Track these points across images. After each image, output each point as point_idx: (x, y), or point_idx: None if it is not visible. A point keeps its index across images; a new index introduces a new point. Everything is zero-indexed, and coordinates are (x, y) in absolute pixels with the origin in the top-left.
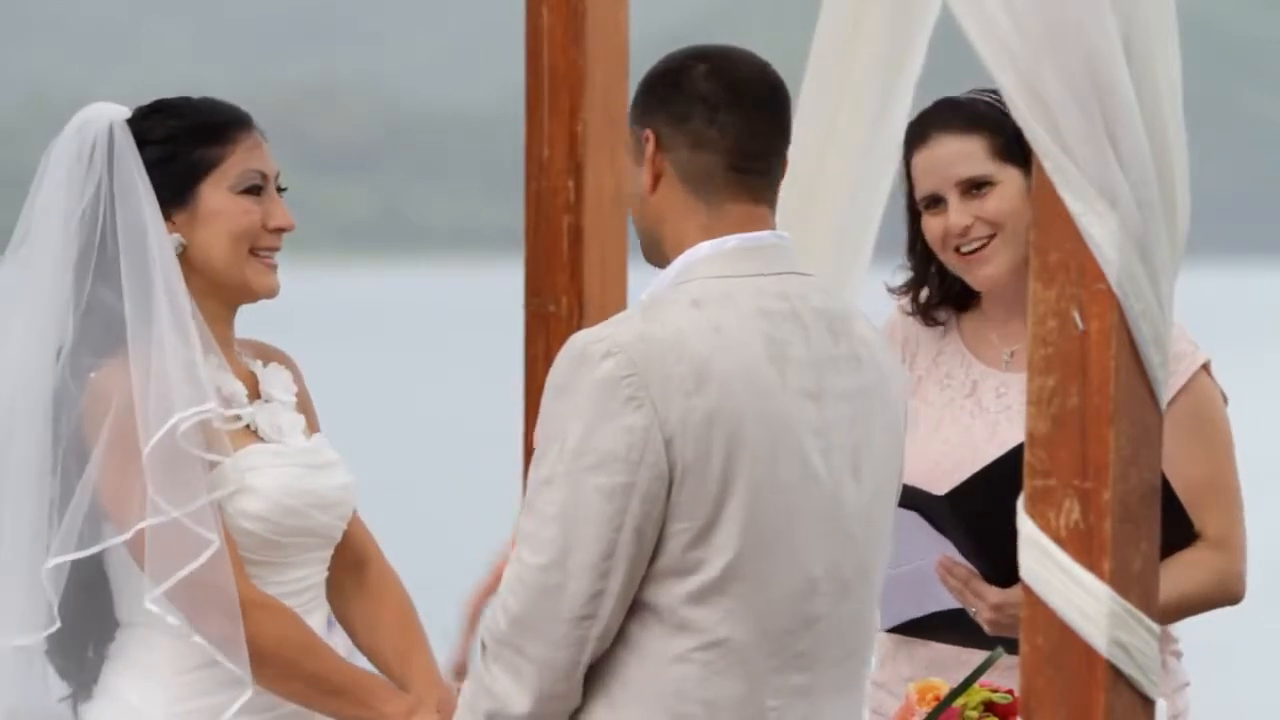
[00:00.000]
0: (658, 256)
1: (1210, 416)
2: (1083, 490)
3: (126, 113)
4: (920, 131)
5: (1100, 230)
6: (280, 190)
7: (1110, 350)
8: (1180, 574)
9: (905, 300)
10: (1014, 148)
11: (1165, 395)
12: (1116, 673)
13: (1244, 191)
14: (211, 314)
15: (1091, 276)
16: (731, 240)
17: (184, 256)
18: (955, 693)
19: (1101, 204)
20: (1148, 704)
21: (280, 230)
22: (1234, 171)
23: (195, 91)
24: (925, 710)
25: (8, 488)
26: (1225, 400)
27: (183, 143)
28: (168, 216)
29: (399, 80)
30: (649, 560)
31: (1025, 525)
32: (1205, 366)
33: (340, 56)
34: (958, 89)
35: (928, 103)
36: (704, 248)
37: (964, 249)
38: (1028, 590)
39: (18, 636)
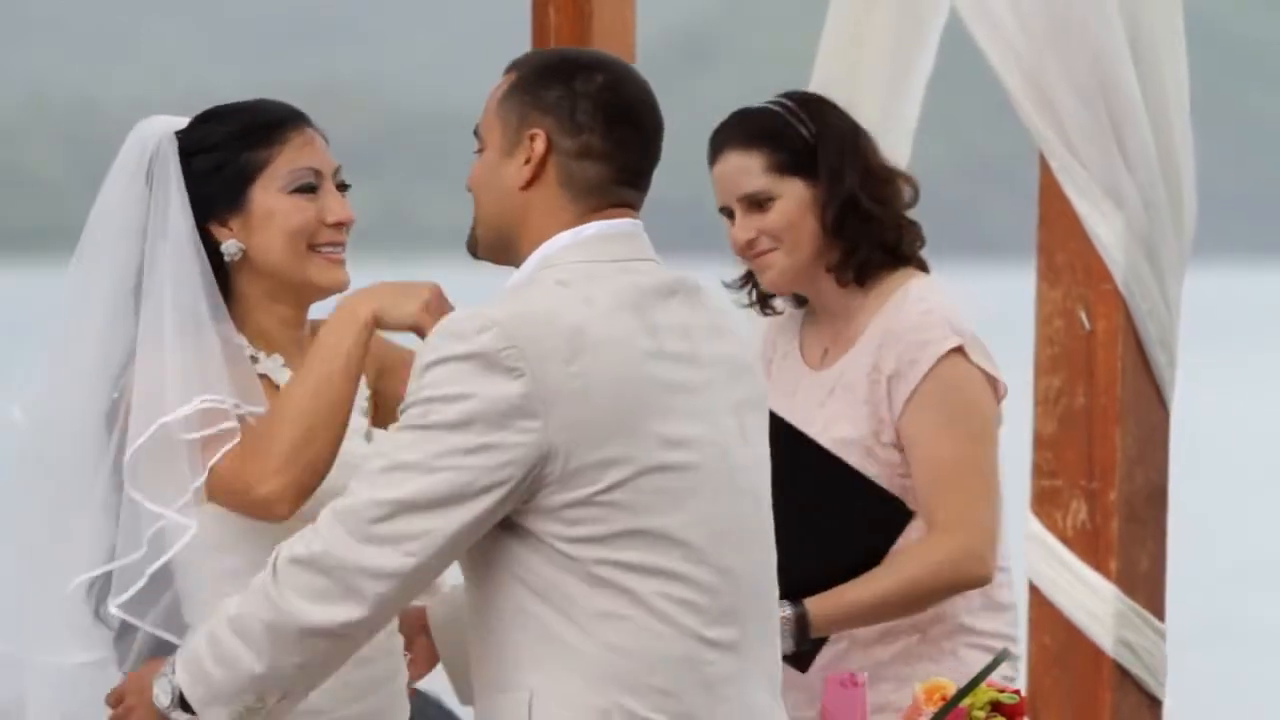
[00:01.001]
0: (503, 252)
1: (958, 400)
2: (1089, 490)
3: (182, 123)
4: (713, 145)
5: (1107, 230)
6: (344, 188)
7: (1117, 350)
8: (907, 558)
9: (741, 294)
10: (796, 160)
11: (1171, 395)
12: (1123, 672)
13: (1250, 191)
14: (280, 316)
15: (1098, 276)
16: (590, 228)
17: (246, 261)
18: (962, 693)
19: (1108, 204)
20: (1155, 703)
21: (340, 224)
22: (1240, 172)
23: (196, 92)
24: (932, 710)
25: (70, 503)
26: (999, 389)
27: (231, 148)
28: (224, 223)
29: (400, 80)
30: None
31: (1032, 525)
32: (960, 350)
33: (341, 57)
34: (964, 89)
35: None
36: (563, 236)
37: (752, 256)
38: (1034, 590)
39: (81, 653)
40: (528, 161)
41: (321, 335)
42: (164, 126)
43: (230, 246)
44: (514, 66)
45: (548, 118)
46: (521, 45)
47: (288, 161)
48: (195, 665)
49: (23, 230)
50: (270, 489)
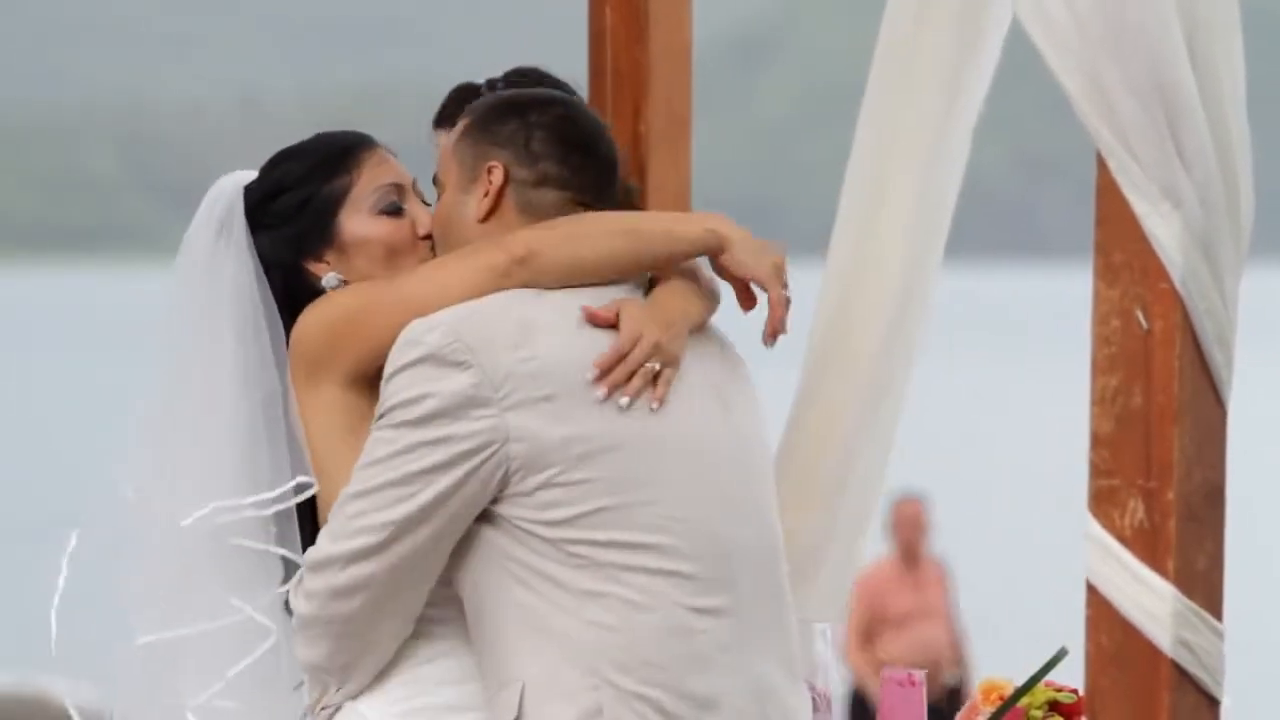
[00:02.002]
0: None
1: None
2: (1147, 490)
3: (250, 176)
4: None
5: (1164, 230)
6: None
7: (1174, 349)
8: None
9: None
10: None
11: (1229, 395)
12: (1182, 672)
13: None
14: None
15: (1155, 276)
16: None
17: None
18: (1020, 692)
19: (1165, 204)
20: (1213, 704)
21: (430, 237)
22: None
23: (249, 93)
24: (990, 709)
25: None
26: None
27: (310, 182)
28: (319, 257)
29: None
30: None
31: (1090, 525)
32: None
33: (398, 57)
34: (1021, 88)
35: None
36: None
37: None
38: (1092, 590)
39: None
40: (486, 194)
41: (667, 220)
42: (233, 183)
43: (330, 279)
44: (470, 109)
45: (504, 150)
46: (579, 45)
47: (368, 183)
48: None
49: (78, 229)
50: None
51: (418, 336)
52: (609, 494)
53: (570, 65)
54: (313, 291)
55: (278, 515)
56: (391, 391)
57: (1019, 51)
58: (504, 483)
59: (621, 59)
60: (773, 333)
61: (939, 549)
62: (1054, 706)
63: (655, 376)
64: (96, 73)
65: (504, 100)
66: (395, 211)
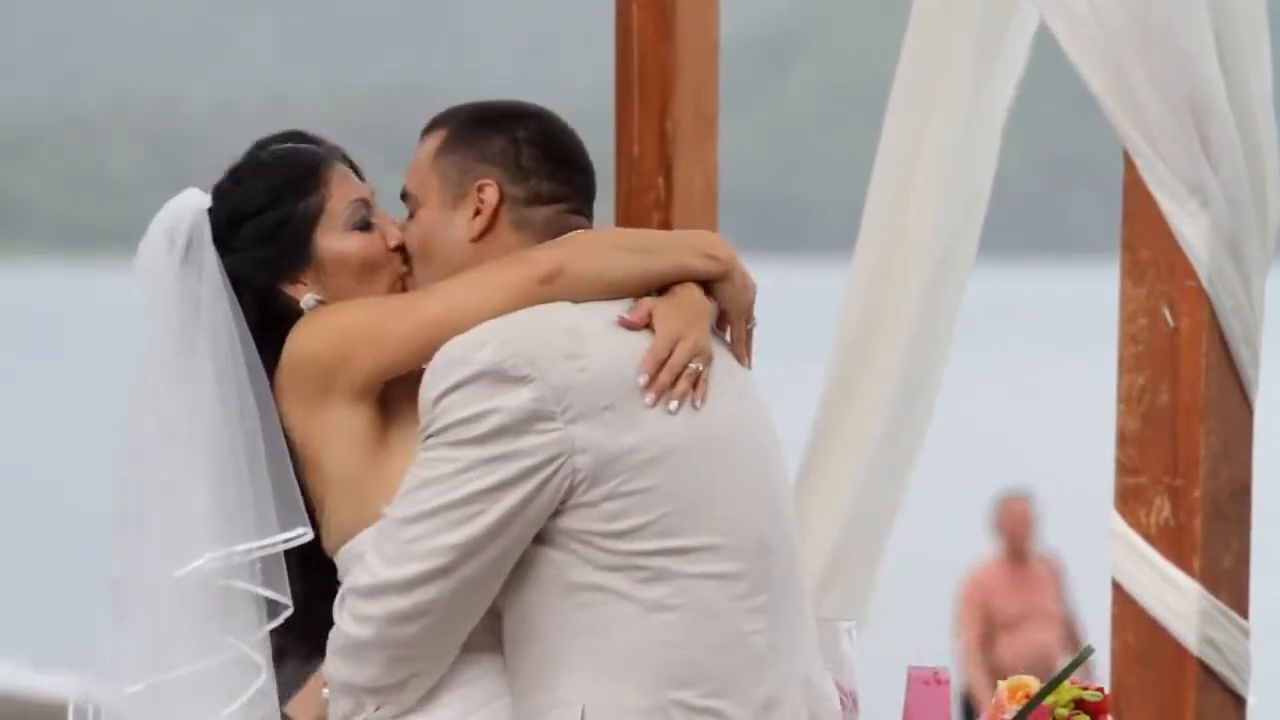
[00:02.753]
0: None
1: None
2: (1173, 488)
3: (202, 198)
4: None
5: (1191, 228)
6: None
7: (1201, 348)
8: None
9: None
10: None
11: (1255, 393)
12: (1208, 671)
13: None
14: None
15: (1182, 274)
16: None
17: None
18: (1045, 690)
19: (1192, 202)
20: (1239, 702)
21: (400, 248)
22: None
23: (277, 91)
24: (1016, 707)
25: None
26: None
27: (282, 203)
28: (296, 279)
29: (488, 78)
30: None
31: (1115, 523)
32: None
33: (425, 56)
34: (1048, 87)
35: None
36: None
37: None
38: (1118, 588)
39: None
40: (478, 213)
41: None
42: (192, 204)
43: (309, 300)
44: (439, 122)
45: (494, 168)
46: (606, 43)
47: (340, 199)
48: (324, 664)
49: (107, 228)
50: None
51: (466, 354)
52: (671, 500)
53: (597, 63)
54: (289, 313)
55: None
56: (443, 410)
57: (1045, 51)
58: (569, 495)
59: (648, 57)
60: (739, 359)
61: (1047, 546)
62: (1080, 704)
63: (696, 378)
64: (125, 72)
65: (482, 113)
66: (366, 226)
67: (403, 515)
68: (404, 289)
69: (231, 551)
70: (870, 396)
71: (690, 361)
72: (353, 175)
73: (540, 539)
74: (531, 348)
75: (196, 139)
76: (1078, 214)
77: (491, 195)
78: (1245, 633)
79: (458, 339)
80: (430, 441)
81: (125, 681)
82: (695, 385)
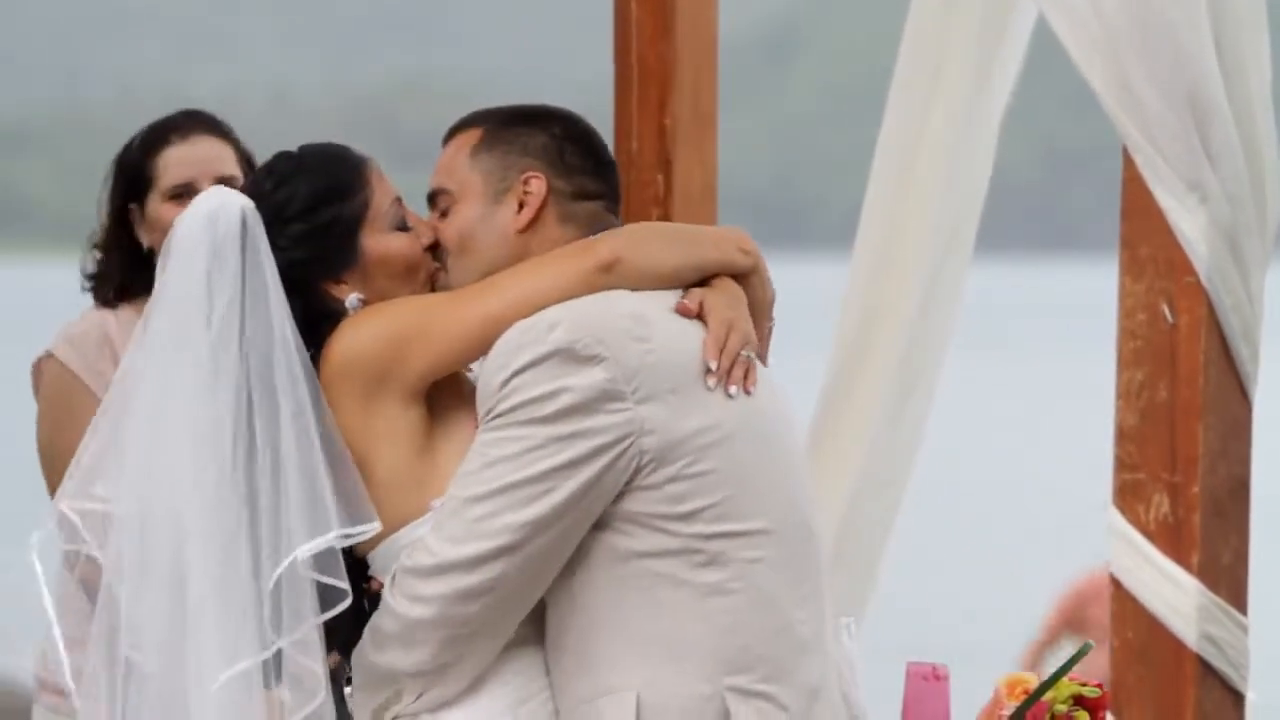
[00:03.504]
0: None
1: None
2: (1172, 484)
3: (239, 197)
4: (162, 135)
5: (1190, 224)
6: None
7: (1200, 344)
8: None
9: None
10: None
11: (1254, 389)
12: (1206, 667)
13: None
14: None
15: (1181, 270)
16: None
17: None
18: (1044, 686)
19: (1191, 198)
20: (1238, 698)
21: (435, 245)
22: None
23: (282, 87)
24: (1014, 704)
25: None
26: None
27: (328, 204)
28: (339, 279)
29: (485, 76)
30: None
31: (1114, 518)
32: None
33: (427, 52)
34: (1047, 82)
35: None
36: None
37: None
38: (1116, 584)
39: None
40: (523, 206)
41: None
42: (237, 203)
43: (352, 300)
44: (472, 123)
45: (539, 162)
46: (605, 40)
47: (381, 199)
48: (356, 654)
49: None
50: None
51: (538, 335)
52: (730, 483)
53: (596, 60)
54: (333, 313)
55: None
56: (511, 390)
57: (1046, 47)
58: (634, 477)
59: (647, 54)
60: (761, 357)
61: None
62: (1079, 701)
63: (747, 365)
64: (127, 67)
65: (516, 113)
66: (405, 226)
67: (469, 494)
68: (433, 288)
69: (310, 548)
70: (870, 392)
71: (743, 349)
72: (385, 176)
73: (598, 524)
74: (602, 329)
75: None
76: (1077, 210)
77: (539, 187)
78: (1244, 629)
79: (522, 323)
80: (496, 422)
81: (218, 668)
82: (747, 373)
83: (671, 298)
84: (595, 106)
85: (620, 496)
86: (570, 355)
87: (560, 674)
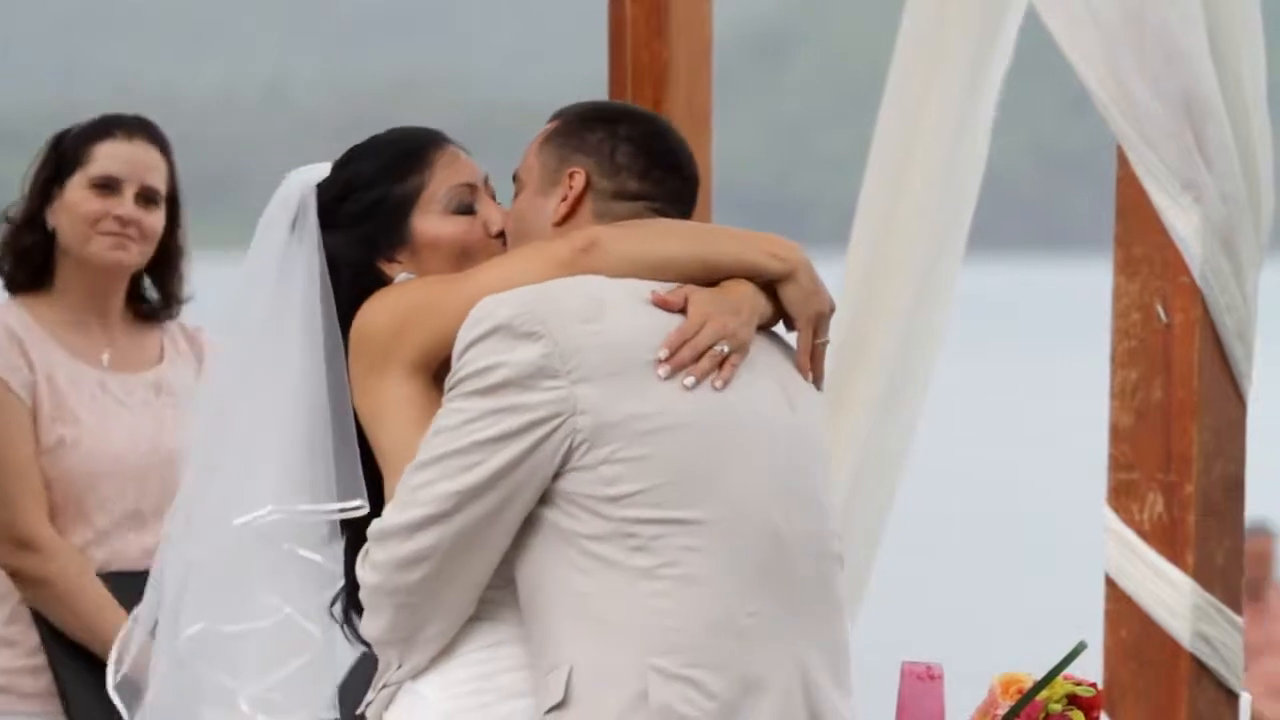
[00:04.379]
0: None
1: None
2: (1166, 483)
3: (320, 173)
4: (106, 128)
5: (1184, 224)
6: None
7: (1194, 344)
8: None
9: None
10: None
11: (1248, 389)
12: (1200, 666)
13: None
14: None
15: (1175, 270)
16: None
17: None
18: (1039, 685)
19: (1186, 198)
20: (1232, 697)
21: (503, 234)
22: None
23: (277, 84)
24: (1009, 703)
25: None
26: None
27: (381, 183)
28: (391, 258)
29: (482, 73)
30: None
31: (1109, 518)
32: None
33: (423, 49)
34: (1041, 82)
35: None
36: None
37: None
38: (1111, 584)
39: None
40: (564, 199)
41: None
42: (304, 180)
43: (402, 279)
44: (559, 114)
45: (589, 159)
46: (600, 38)
47: (441, 182)
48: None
49: None
50: None
51: (489, 311)
52: (667, 471)
53: (591, 59)
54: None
55: (333, 524)
56: (463, 364)
57: (1041, 46)
58: (568, 456)
59: (642, 54)
60: (800, 369)
61: None
62: (1073, 700)
63: (722, 360)
64: (123, 64)
65: (596, 109)
66: (468, 211)
67: (415, 462)
68: None
69: (293, 510)
70: (863, 390)
71: (716, 343)
72: (464, 158)
73: (546, 502)
74: (545, 307)
75: (195, 132)
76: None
77: (579, 182)
78: (1238, 628)
79: (488, 297)
80: (450, 393)
81: (184, 623)
82: (722, 368)
83: (661, 290)
84: None
85: (559, 475)
86: (510, 331)
87: (531, 648)
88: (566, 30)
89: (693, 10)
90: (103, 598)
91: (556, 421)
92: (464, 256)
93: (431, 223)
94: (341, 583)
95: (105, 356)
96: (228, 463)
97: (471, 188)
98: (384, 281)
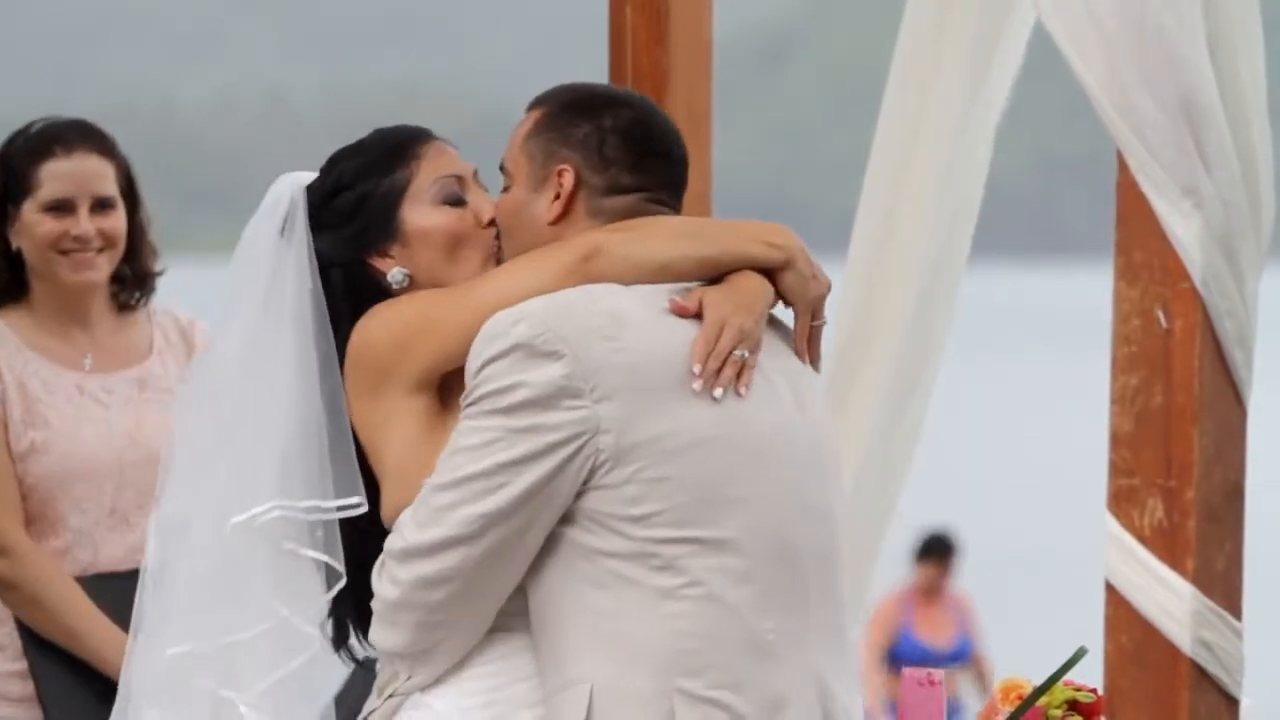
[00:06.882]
0: None
1: None
2: (1166, 489)
3: (309, 177)
4: (47, 145)
5: (1184, 229)
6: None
7: (1194, 349)
8: None
9: None
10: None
11: (1249, 394)
12: (1201, 672)
13: None
14: None
15: (1176, 275)
16: None
17: (414, 285)
18: (1039, 691)
19: (1186, 203)
20: (1232, 703)
21: (493, 223)
22: None
23: (279, 91)
24: (1009, 709)
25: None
26: None
27: (368, 178)
28: (384, 253)
29: (482, 78)
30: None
31: (1109, 524)
32: None
33: (424, 55)
34: (1042, 87)
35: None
36: None
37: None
38: (1111, 589)
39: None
40: (557, 198)
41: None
42: (292, 183)
43: (396, 274)
44: (540, 102)
45: (575, 154)
46: (600, 43)
47: (429, 173)
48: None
49: None
50: None
51: (504, 328)
52: (689, 490)
53: (591, 65)
54: (377, 287)
55: (326, 524)
56: (480, 381)
57: (1042, 51)
58: (591, 475)
59: (642, 58)
60: (798, 353)
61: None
62: (1073, 706)
63: (741, 366)
64: (123, 71)
65: (578, 98)
66: (457, 201)
67: (437, 481)
68: (499, 263)
69: (294, 506)
70: (865, 397)
71: (736, 348)
72: (451, 151)
73: (566, 519)
74: (566, 325)
75: (195, 138)
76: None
77: (569, 181)
78: (1238, 634)
79: (500, 313)
80: (469, 411)
81: (166, 643)
82: (741, 373)
83: (669, 295)
84: None
85: (582, 493)
86: (530, 350)
87: (540, 662)
88: (566, 35)
89: (693, 16)
90: (78, 600)
91: (579, 442)
92: (455, 247)
93: (421, 213)
94: (336, 591)
95: (88, 360)
96: (221, 462)
97: (460, 179)
98: (376, 277)
